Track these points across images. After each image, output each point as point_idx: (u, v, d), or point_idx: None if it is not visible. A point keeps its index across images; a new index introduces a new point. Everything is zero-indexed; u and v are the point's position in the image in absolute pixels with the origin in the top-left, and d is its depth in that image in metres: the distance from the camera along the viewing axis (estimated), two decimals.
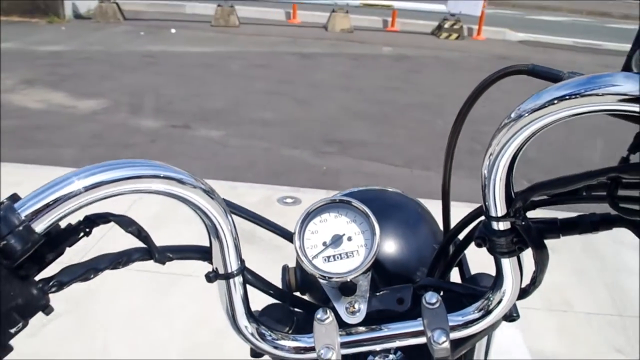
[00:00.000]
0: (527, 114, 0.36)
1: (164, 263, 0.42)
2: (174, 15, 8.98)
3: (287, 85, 5.35)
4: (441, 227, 0.59)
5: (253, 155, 3.58)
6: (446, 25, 9.16)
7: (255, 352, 0.50)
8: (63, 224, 0.37)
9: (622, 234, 1.76)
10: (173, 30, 7.81)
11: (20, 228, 0.33)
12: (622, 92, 0.32)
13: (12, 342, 0.35)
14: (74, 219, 0.38)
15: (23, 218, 0.34)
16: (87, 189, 0.35)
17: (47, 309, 0.36)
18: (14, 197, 0.35)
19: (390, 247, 0.51)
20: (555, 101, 0.34)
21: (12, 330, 0.34)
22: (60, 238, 0.37)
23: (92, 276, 0.39)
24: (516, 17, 13.46)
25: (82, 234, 0.38)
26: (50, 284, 0.37)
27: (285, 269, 0.58)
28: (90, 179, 0.35)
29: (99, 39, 6.99)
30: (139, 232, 0.41)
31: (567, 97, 0.34)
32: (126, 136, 3.71)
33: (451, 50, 7.91)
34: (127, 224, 0.40)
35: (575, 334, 2.01)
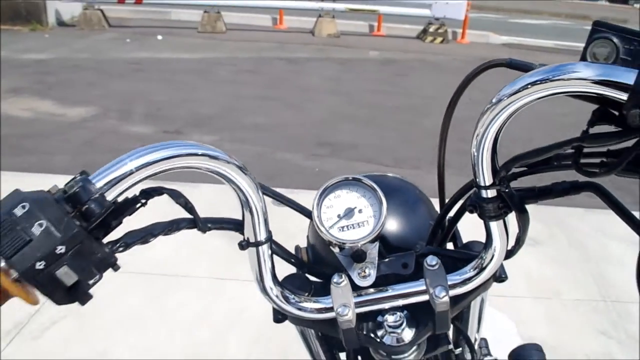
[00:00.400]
0: (505, 98, 0.43)
1: (204, 231, 0.48)
2: (159, 22, 8.97)
3: (277, 90, 5.39)
4: (436, 206, 0.64)
5: (246, 159, 3.58)
6: (431, 29, 9.28)
7: (278, 318, 0.57)
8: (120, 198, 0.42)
9: (606, 227, 1.86)
10: (159, 37, 7.80)
11: (97, 196, 0.39)
12: (582, 77, 0.40)
13: (90, 291, 0.41)
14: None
15: (98, 187, 0.39)
16: (146, 165, 0.41)
17: (115, 266, 0.42)
18: (85, 172, 0.39)
19: (393, 222, 0.57)
20: (529, 86, 0.41)
21: (91, 282, 0.40)
22: (122, 208, 0.42)
23: (149, 240, 0.45)
24: (499, 20, 13.69)
25: (139, 204, 0.43)
26: (118, 245, 0.43)
27: (297, 248, 0.63)
28: (148, 156, 0.42)
29: (85, 46, 6.96)
30: (186, 204, 0.47)
31: (538, 82, 0.41)
32: (118, 143, 3.71)
33: (436, 53, 8.02)
34: (177, 196, 0.45)
35: (562, 319, 2.08)
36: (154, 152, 0.42)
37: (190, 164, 0.44)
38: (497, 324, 2.03)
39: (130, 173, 0.41)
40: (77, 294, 0.40)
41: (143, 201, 0.44)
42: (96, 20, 8.10)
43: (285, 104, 4.94)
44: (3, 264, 0.36)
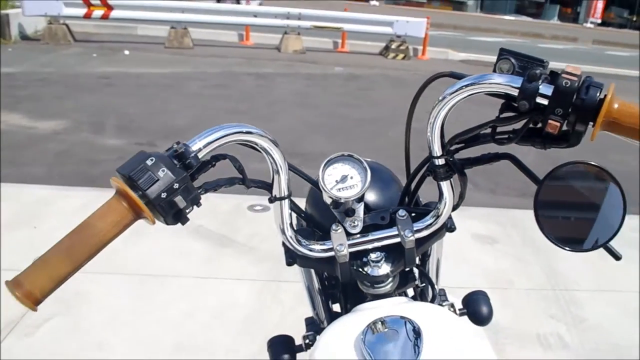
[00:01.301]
0: (448, 96, 0.63)
1: (249, 187, 0.65)
2: (125, 37, 8.99)
3: (246, 104, 5.54)
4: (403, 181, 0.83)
5: (220, 168, 3.74)
6: (393, 46, 9.68)
7: (289, 262, 0.74)
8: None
9: None
10: (126, 52, 7.84)
11: (193, 154, 0.57)
12: (493, 82, 0.60)
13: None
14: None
15: (193, 150, 0.57)
16: (220, 137, 0.60)
17: (199, 204, 0.59)
18: (179, 142, 0.56)
19: (373, 190, 0.76)
20: (462, 88, 0.62)
21: (187, 210, 0.58)
22: (201, 167, 0.58)
23: (217, 189, 0.63)
24: (457, 38, 14.32)
25: (210, 166, 0.60)
26: (200, 189, 0.60)
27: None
28: (222, 131, 0.60)
29: (51, 60, 6.93)
30: (240, 167, 0.64)
31: (468, 85, 0.61)
32: (92, 154, 3.77)
33: (398, 69, 8.39)
34: (234, 160, 0.64)
35: (515, 305, 2.31)
36: (225, 129, 0.61)
37: (246, 138, 0.62)
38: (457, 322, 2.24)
39: (212, 142, 0.60)
40: (180, 217, 0.58)
41: (214, 163, 0.62)
42: (61, 35, 8.06)
43: (256, 117, 5.10)
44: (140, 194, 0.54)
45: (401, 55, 9.58)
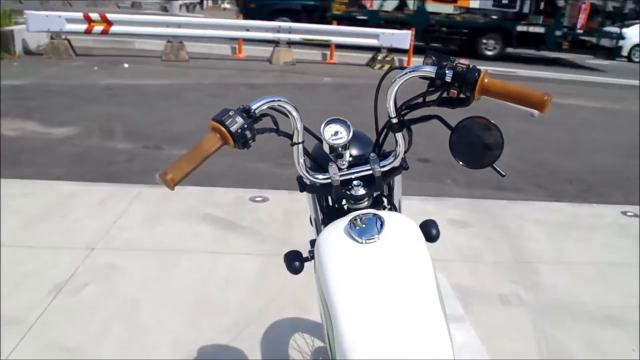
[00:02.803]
0: (397, 79, 1.01)
1: (279, 135, 1.02)
2: (123, 51, 9.38)
3: None
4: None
5: (222, 168, 4.13)
6: (379, 57, 10.16)
7: (302, 189, 1.10)
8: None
9: (524, 214, 2.69)
10: (126, 65, 8.23)
11: (252, 110, 0.95)
12: (423, 70, 0.99)
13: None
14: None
15: (253, 108, 0.96)
16: (265, 102, 0.98)
17: (255, 139, 0.96)
18: (223, 112, 0.94)
19: (355, 145, 1.13)
20: (406, 74, 1.00)
21: (250, 141, 0.94)
22: (257, 118, 0.97)
23: (263, 132, 0.98)
24: (442, 48, 14.87)
25: (261, 117, 0.98)
26: (254, 131, 0.96)
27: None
28: (267, 98, 0.98)
29: (55, 73, 7.30)
30: (275, 122, 1.02)
31: (409, 72, 1.01)
32: (105, 156, 4.14)
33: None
34: (272, 117, 1.00)
35: (482, 273, 2.70)
36: (268, 98, 0.99)
37: (279, 104, 1.00)
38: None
39: (262, 104, 0.97)
40: (246, 145, 0.95)
41: (262, 118, 1.00)
42: (63, 49, 8.45)
43: None
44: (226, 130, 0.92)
45: (387, 66, 10.05)
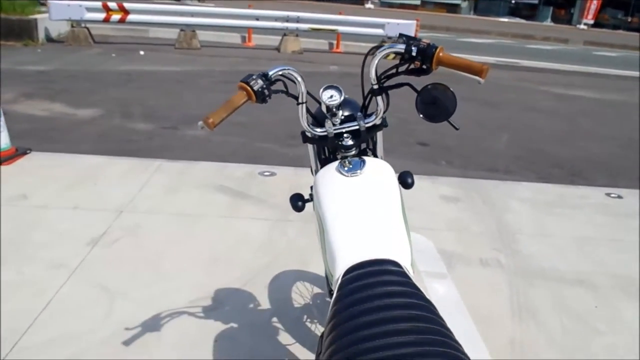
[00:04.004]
0: (377, 54, 1.28)
1: (288, 96, 1.32)
2: (139, 39, 9.72)
3: None
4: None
5: (234, 147, 4.47)
6: (386, 58, 10.39)
7: (304, 141, 1.42)
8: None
9: (511, 193, 3.10)
10: (142, 52, 8.57)
11: (269, 75, 1.26)
12: (397, 47, 1.25)
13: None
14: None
15: (270, 73, 1.27)
16: (279, 70, 1.29)
17: (271, 97, 1.26)
18: (247, 76, 1.26)
19: (347, 108, 1.44)
20: (384, 50, 1.27)
21: (268, 99, 1.26)
22: (273, 81, 1.27)
23: (277, 93, 1.29)
24: (448, 39, 15.00)
25: (276, 81, 1.28)
26: (271, 91, 1.27)
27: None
28: (279, 67, 1.29)
29: (76, 60, 7.67)
30: (285, 85, 1.32)
31: (386, 49, 1.31)
32: (127, 135, 4.49)
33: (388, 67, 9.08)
34: (286, 80, 1.32)
35: (467, 241, 3.01)
36: (281, 66, 1.29)
37: (289, 72, 1.29)
38: (421, 244, 2.94)
39: (276, 71, 1.27)
40: (264, 101, 1.24)
41: (275, 82, 1.29)
42: (83, 37, 8.81)
43: (261, 107, 5.77)
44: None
45: (392, 55, 10.25)
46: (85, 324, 2.00)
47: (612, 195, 3.94)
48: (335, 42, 10.84)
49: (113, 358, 1.84)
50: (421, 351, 0.84)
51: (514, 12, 29.97)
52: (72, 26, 8.82)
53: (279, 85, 1.33)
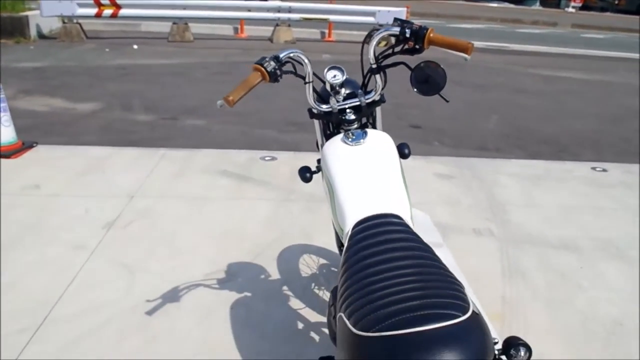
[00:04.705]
0: (375, 35, 1.48)
1: (296, 76, 1.47)
2: (131, 34, 9.77)
3: None
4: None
5: (233, 135, 4.61)
6: (384, 43, 10.52)
7: (310, 117, 1.58)
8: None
9: (500, 169, 3.31)
10: (135, 46, 8.64)
11: (280, 57, 1.42)
12: (392, 30, 1.45)
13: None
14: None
15: (281, 56, 1.42)
16: (289, 53, 1.45)
17: (282, 77, 1.42)
18: (261, 59, 1.41)
19: (348, 86, 1.60)
20: (382, 32, 1.46)
21: (279, 79, 1.41)
22: (283, 63, 1.43)
23: (286, 73, 1.44)
24: (438, 25, 15.11)
25: (286, 62, 1.44)
26: (282, 71, 1.42)
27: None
28: (289, 50, 1.45)
29: (70, 55, 7.74)
30: (294, 67, 1.48)
31: (384, 32, 1.48)
32: (129, 126, 4.62)
33: None
34: (293, 63, 1.47)
35: (459, 213, 3.19)
36: (290, 50, 1.45)
37: (297, 54, 1.45)
38: (418, 217, 3.11)
39: (286, 54, 1.42)
40: (276, 80, 1.40)
41: (285, 64, 1.44)
42: (75, 33, 8.86)
43: (256, 97, 5.91)
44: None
45: (383, 42, 10.41)
46: (109, 295, 2.16)
47: (598, 169, 4.13)
48: (327, 31, 10.94)
49: (138, 325, 2.00)
50: (422, 285, 1.00)
51: None
52: (64, 22, 8.87)
53: (288, 67, 1.48)
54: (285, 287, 2.30)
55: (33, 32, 8.75)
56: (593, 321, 2.23)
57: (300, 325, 2.05)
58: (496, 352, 1.02)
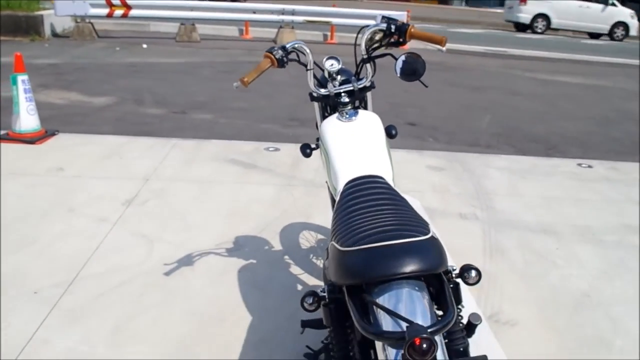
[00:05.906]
0: (366, 30, 1.76)
1: (299, 64, 1.75)
2: (140, 33, 10.10)
3: (252, 85, 6.64)
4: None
5: (239, 128, 4.89)
6: (377, 37, 10.80)
7: (311, 100, 1.86)
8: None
9: (489, 163, 3.66)
10: (144, 46, 8.96)
11: (286, 47, 1.70)
12: (380, 26, 1.72)
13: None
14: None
15: (287, 46, 1.71)
16: (294, 45, 1.73)
17: (288, 63, 1.71)
18: (271, 48, 1.69)
19: (344, 75, 1.87)
20: (372, 27, 1.74)
21: (286, 65, 1.69)
22: (289, 52, 1.71)
23: (292, 60, 1.72)
24: (439, 29, 15.43)
25: (291, 52, 1.72)
26: (288, 59, 1.71)
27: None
28: (292, 42, 1.73)
29: (83, 53, 8.06)
30: (298, 56, 1.76)
31: (373, 26, 1.76)
32: (142, 119, 4.91)
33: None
34: (297, 53, 1.75)
35: (448, 200, 3.46)
36: (294, 41, 1.72)
37: (300, 45, 1.73)
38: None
39: (292, 44, 1.70)
40: (284, 66, 1.68)
41: (290, 53, 1.72)
42: (87, 32, 9.19)
43: (261, 94, 6.23)
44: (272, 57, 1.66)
45: (378, 35, 10.71)
46: (131, 259, 2.44)
47: (583, 165, 4.39)
48: (329, 33, 11.25)
49: (157, 283, 2.28)
50: (395, 217, 1.28)
51: (505, 3, 30.27)
52: (77, 22, 9.20)
53: (292, 56, 1.76)
54: (286, 256, 2.57)
55: (47, 30, 9.09)
56: (563, 293, 2.49)
57: (300, 287, 2.33)
58: (453, 275, 1.30)
